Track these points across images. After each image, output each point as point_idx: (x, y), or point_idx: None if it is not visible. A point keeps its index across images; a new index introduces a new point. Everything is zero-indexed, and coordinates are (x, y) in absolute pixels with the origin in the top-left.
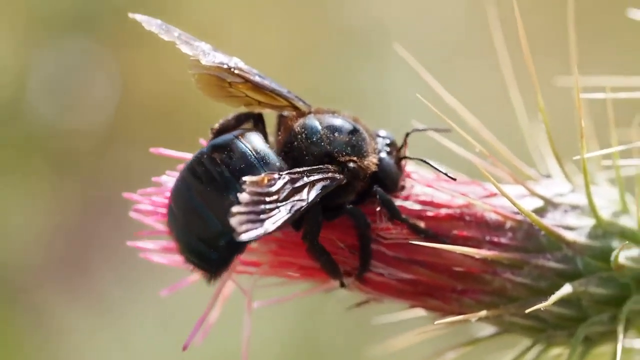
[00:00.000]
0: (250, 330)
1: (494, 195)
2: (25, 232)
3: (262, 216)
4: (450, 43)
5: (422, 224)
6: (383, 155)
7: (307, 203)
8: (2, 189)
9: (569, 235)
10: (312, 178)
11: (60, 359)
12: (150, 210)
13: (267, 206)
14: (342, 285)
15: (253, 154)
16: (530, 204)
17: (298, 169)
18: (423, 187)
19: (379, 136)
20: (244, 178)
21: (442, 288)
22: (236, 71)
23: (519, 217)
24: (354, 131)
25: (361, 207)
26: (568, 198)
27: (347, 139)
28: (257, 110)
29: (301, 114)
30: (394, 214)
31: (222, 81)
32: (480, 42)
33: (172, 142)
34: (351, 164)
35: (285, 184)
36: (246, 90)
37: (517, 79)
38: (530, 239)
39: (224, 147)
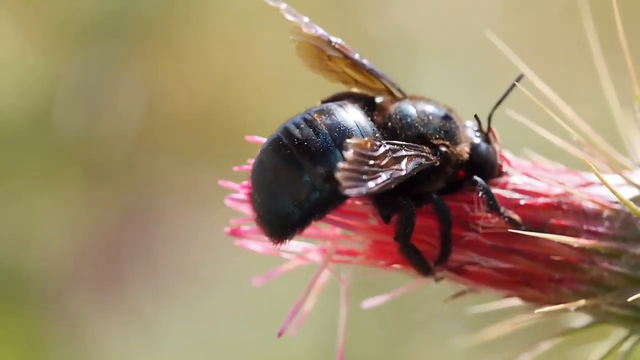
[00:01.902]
0: (344, 324)
1: (591, 184)
2: (56, 240)
3: (365, 177)
4: (478, 53)
5: (517, 217)
6: (477, 140)
7: (406, 173)
8: (33, 198)
9: None
10: (410, 152)
11: None
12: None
13: (370, 168)
14: (437, 279)
15: (354, 123)
16: (627, 193)
17: (397, 142)
18: (521, 176)
19: (467, 126)
20: (349, 140)
21: (539, 277)
22: (337, 46)
23: (616, 206)
24: (447, 117)
25: (457, 195)
26: None
27: (441, 124)
28: (353, 89)
29: (396, 99)
30: (493, 205)
31: (321, 52)
32: (518, 48)
33: (200, 150)
34: (443, 148)
35: (387, 152)
36: (345, 67)
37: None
38: (627, 227)
39: (325, 111)
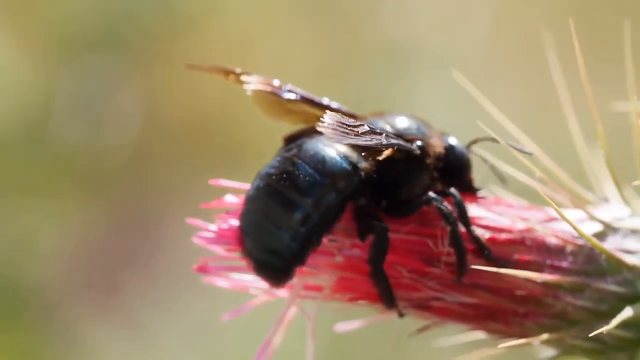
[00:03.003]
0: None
1: (554, 219)
2: (54, 252)
3: (351, 133)
4: (471, 60)
5: (485, 242)
6: (453, 140)
7: (386, 143)
8: (30, 209)
9: (629, 259)
10: (387, 135)
11: None
12: (216, 237)
13: (350, 130)
14: (400, 315)
15: (324, 145)
16: (590, 228)
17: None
18: (484, 211)
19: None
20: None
21: (504, 311)
22: (291, 89)
23: (579, 242)
24: (413, 118)
25: (421, 229)
26: (627, 222)
27: (410, 124)
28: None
29: (361, 118)
30: (466, 223)
31: (278, 97)
32: (514, 63)
33: (199, 162)
34: (419, 142)
35: (365, 128)
36: (305, 106)
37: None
38: (591, 262)
39: (293, 147)
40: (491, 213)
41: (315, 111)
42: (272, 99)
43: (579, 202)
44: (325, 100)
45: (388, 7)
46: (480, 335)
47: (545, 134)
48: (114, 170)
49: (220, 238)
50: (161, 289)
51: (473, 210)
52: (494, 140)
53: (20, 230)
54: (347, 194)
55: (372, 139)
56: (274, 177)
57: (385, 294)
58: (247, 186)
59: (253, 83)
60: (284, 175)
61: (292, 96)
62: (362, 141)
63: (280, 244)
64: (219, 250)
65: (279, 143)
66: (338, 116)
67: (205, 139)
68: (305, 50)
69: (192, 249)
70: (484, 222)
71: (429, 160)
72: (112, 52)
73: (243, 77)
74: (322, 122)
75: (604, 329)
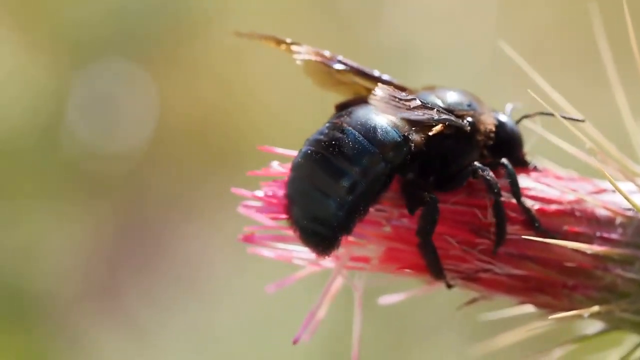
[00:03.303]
0: (359, 330)
1: (603, 191)
2: (60, 256)
3: (403, 107)
4: (482, 63)
5: (535, 213)
6: (503, 117)
7: (438, 119)
8: (39, 214)
9: None
10: (439, 110)
11: None
12: (262, 206)
13: (403, 103)
14: (449, 286)
15: (375, 114)
16: None
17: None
18: (533, 183)
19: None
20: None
21: (553, 284)
22: (341, 59)
23: (629, 213)
24: (465, 94)
25: (470, 200)
26: None
27: (461, 99)
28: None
29: (412, 91)
30: (516, 194)
31: (329, 68)
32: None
33: (208, 165)
34: (469, 118)
35: (417, 102)
36: (354, 77)
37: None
38: None
39: (344, 114)
40: (540, 184)
41: (365, 83)
42: (323, 69)
43: (628, 174)
44: (377, 72)
45: (388, 8)
46: (528, 309)
47: (591, 111)
48: (121, 173)
49: (266, 206)
50: (163, 292)
51: (522, 181)
52: (545, 114)
53: (29, 234)
54: (396, 165)
55: (424, 113)
56: (322, 143)
57: (434, 265)
58: (292, 153)
59: (303, 53)
60: (333, 142)
61: (342, 67)
62: (414, 115)
63: (326, 212)
64: (263, 219)
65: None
66: (390, 89)
67: (213, 143)
68: None
69: (197, 253)
70: (533, 193)
71: (479, 137)
72: (122, 58)
73: (293, 47)
74: (374, 94)
75: None
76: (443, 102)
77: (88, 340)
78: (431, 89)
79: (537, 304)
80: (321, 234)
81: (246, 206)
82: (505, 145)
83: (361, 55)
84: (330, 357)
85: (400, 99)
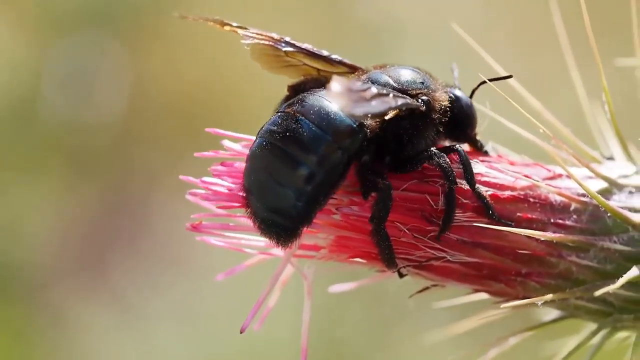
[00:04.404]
0: (307, 322)
1: (558, 177)
2: (41, 230)
3: (361, 100)
4: (465, 38)
5: (489, 200)
6: (458, 92)
7: (395, 105)
8: (18, 188)
9: (636, 217)
10: (396, 95)
11: (78, 358)
12: (211, 193)
13: (360, 96)
14: (400, 275)
15: (327, 101)
16: (595, 186)
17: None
18: (486, 168)
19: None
20: (333, 81)
21: (506, 271)
22: (289, 40)
23: (584, 199)
24: (417, 71)
25: (421, 186)
26: (633, 180)
27: (413, 77)
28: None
29: (363, 72)
30: (470, 180)
31: (277, 50)
32: (498, 35)
33: (186, 138)
34: (423, 97)
35: (373, 90)
36: (303, 58)
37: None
38: (595, 221)
39: (295, 102)
40: (493, 170)
41: (315, 64)
42: (270, 52)
43: (584, 160)
44: (325, 53)
45: None
46: (481, 296)
47: (548, 95)
48: (102, 148)
49: (213, 194)
50: (147, 267)
51: (475, 167)
52: (492, 80)
53: (7, 208)
54: (353, 152)
55: (381, 103)
56: (276, 135)
57: (386, 254)
58: (241, 136)
59: (250, 36)
60: (287, 133)
61: (290, 49)
62: (372, 108)
63: (286, 203)
64: (212, 208)
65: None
66: (345, 81)
67: (195, 117)
68: (290, 29)
69: (181, 228)
70: (485, 179)
71: (434, 115)
72: (100, 31)
73: (241, 31)
74: (330, 89)
75: (609, 287)
76: (396, 82)
77: (71, 314)
78: (383, 67)
79: (491, 292)
80: (281, 225)
81: (194, 194)
82: (460, 122)
83: (346, 31)
84: (318, 335)
85: (357, 90)
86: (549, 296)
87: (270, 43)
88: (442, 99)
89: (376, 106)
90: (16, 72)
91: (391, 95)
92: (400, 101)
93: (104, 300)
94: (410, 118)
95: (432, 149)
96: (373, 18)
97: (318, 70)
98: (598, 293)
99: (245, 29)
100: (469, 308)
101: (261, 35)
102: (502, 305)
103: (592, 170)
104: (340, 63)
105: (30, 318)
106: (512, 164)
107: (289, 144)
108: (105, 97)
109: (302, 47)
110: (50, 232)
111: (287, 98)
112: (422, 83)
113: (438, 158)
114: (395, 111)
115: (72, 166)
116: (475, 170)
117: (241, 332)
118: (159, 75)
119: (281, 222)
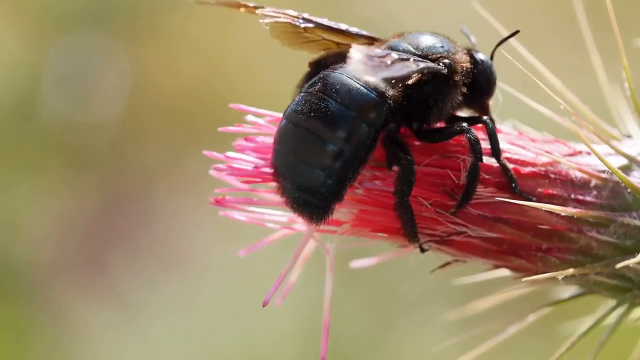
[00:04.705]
0: (330, 296)
1: (579, 153)
2: (41, 228)
3: (382, 65)
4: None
5: (514, 174)
6: (479, 55)
7: (417, 69)
8: (17, 186)
9: None
10: (417, 59)
11: (76, 355)
12: (234, 168)
13: (380, 62)
14: (422, 250)
15: (347, 76)
16: (615, 162)
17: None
18: (507, 145)
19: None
20: (352, 49)
21: (527, 246)
22: (307, 16)
23: (604, 176)
24: (437, 36)
25: (443, 161)
26: None
27: (434, 42)
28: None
29: (382, 41)
30: (497, 153)
31: (295, 27)
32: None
33: (186, 136)
34: (445, 60)
35: (393, 56)
36: (322, 32)
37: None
38: (615, 197)
39: (317, 81)
40: (515, 146)
41: (334, 38)
42: (289, 29)
43: (603, 137)
44: (343, 26)
45: None
46: (502, 273)
47: (569, 71)
48: (101, 146)
49: (237, 169)
50: (146, 265)
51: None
52: (504, 39)
53: (7, 206)
54: (379, 125)
55: (402, 67)
56: (300, 115)
57: (409, 228)
58: (268, 112)
59: (269, 15)
60: (312, 114)
61: (309, 24)
62: (393, 72)
63: (316, 182)
64: (235, 182)
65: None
66: (364, 49)
67: (195, 114)
68: None
69: (181, 225)
70: (507, 156)
71: (456, 78)
72: (99, 30)
73: (258, 10)
74: (350, 57)
75: (629, 261)
76: (416, 48)
77: (70, 312)
78: (401, 36)
79: (512, 268)
80: (313, 204)
81: (218, 169)
82: (480, 87)
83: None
84: (317, 325)
85: (377, 57)
86: (570, 270)
87: (289, 20)
88: (462, 60)
89: (398, 70)
90: (16, 71)
91: (412, 59)
92: (421, 65)
93: (102, 297)
94: (433, 82)
95: (463, 124)
96: (370, 14)
97: (337, 43)
98: (618, 266)
99: (262, 7)
100: (474, 291)
101: (279, 13)
102: (523, 279)
103: (612, 147)
104: (359, 35)
105: (29, 315)
106: (533, 140)
107: (315, 124)
108: (105, 95)
109: (320, 22)
110: (49, 229)
111: (309, 74)
112: (442, 47)
113: (469, 133)
114: (418, 76)
115: (72, 163)
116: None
117: (263, 306)
118: (158, 73)
119: (313, 201)
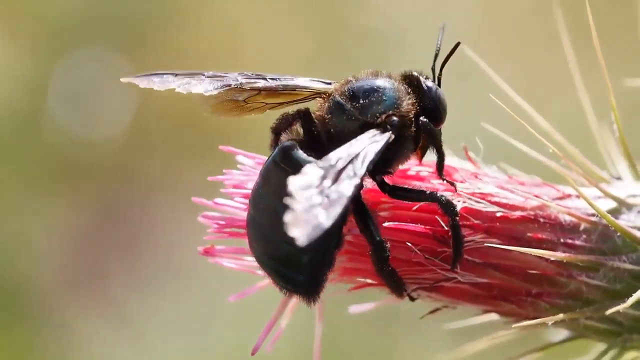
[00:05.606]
0: (320, 339)
1: (568, 196)
2: (44, 242)
3: (315, 212)
4: (467, 46)
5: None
6: (428, 83)
7: (361, 176)
8: (21, 200)
9: None
10: (360, 147)
11: None
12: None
13: (318, 198)
14: (412, 299)
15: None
16: (604, 206)
17: (339, 150)
18: (495, 189)
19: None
20: (291, 185)
21: (516, 292)
22: (244, 86)
23: (593, 219)
24: (377, 89)
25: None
26: None
27: (375, 99)
28: (280, 109)
29: (325, 97)
30: (439, 164)
31: (236, 102)
32: (499, 45)
33: (189, 152)
34: (393, 118)
35: (334, 168)
36: (263, 99)
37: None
38: (605, 240)
39: (266, 175)
40: (503, 190)
41: (276, 99)
42: (230, 106)
43: (592, 179)
44: (284, 80)
45: None
46: (492, 317)
47: (556, 112)
48: (105, 162)
49: (223, 224)
50: (150, 279)
51: (486, 187)
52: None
53: (10, 222)
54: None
55: (348, 186)
56: (267, 227)
57: (394, 285)
58: (255, 155)
59: (210, 97)
60: (276, 227)
61: (247, 95)
62: (338, 208)
63: (298, 266)
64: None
65: (265, 134)
66: (296, 183)
67: (196, 127)
68: (293, 39)
69: (179, 239)
70: (496, 200)
71: (406, 131)
72: (104, 45)
73: (201, 96)
74: (286, 221)
75: (619, 307)
76: (357, 112)
77: (72, 324)
78: (340, 89)
79: (502, 313)
80: (297, 281)
81: (206, 217)
82: (431, 110)
83: (344, 37)
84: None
85: (318, 186)
86: (560, 316)
87: (227, 98)
88: (409, 109)
89: (342, 198)
90: (20, 86)
91: (359, 162)
92: (368, 159)
93: (104, 311)
94: (388, 146)
95: (438, 193)
96: (371, 23)
97: (281, 104)
98: (608, 312)
99: (200, 79)
100: (477, 328)
101: (217, 84)
102: (513, 325)
103: (601, 190)
104: (298, 87)
105: (33, 332)
106: (521, 184)
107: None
108: (108, 111)
109: (256, 86)
110: (52, 245)
111: (274, 142)
112: (387, 100)
113: (439, 200)
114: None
115: (75, 180)
116: (485, 191)
117: (252, 354)
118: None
119: (294, 289)
